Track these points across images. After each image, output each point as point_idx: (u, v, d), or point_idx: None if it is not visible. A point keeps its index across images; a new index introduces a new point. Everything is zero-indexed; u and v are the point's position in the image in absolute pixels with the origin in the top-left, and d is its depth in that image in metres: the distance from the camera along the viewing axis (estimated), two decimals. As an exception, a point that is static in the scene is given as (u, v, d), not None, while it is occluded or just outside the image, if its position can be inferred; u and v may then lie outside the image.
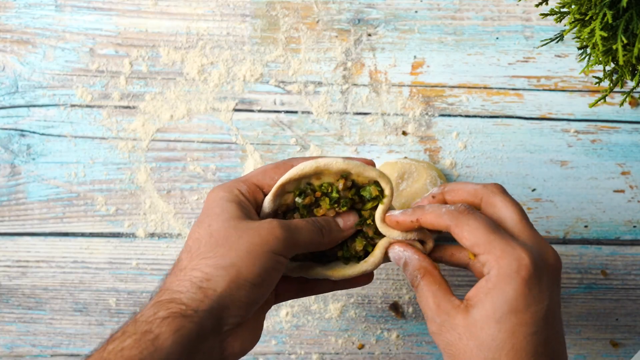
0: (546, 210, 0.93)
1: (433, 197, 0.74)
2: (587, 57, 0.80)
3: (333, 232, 0.74)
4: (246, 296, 0.68)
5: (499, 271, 0.67)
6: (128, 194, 0.94)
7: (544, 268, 0.68)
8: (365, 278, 0.77)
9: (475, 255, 0.69)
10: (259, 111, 0.93)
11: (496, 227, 0.69)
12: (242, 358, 0.94)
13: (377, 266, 0.75)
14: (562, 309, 0.93)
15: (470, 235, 0.69)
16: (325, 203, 0.74)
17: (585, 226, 0.93)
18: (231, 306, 0.67)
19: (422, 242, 0.75)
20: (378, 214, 0.74)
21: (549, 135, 0.93)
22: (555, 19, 0.80)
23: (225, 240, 0.68)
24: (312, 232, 0.72)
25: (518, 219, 0.70)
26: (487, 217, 0.70)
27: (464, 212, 0.70)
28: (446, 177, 0.92)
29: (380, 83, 0.93)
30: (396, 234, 0.74)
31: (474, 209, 0.70)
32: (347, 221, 0.75)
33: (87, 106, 0.93)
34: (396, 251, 0.74)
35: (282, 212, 0.75)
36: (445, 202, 0.74)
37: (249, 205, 0.72)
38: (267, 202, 0.74)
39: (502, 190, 0.72)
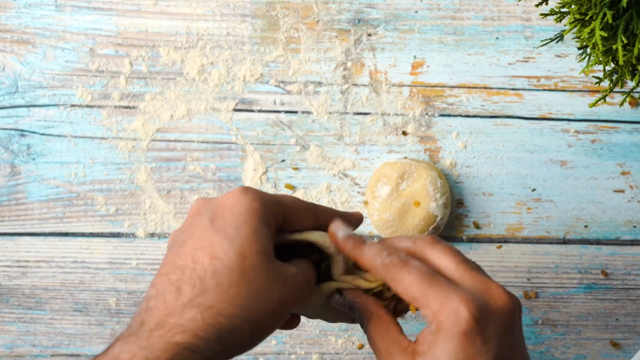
0: (546, 210, 0.93)
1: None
2: (587, 57, 0.80)
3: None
4: (249, 347, 0.64)
5: (438, 326, 0.64)
6: (128, 194, 0.94)
7: (489, 315, 0.64)
8: (290, 322, 0.73)
9: (416, 308, 0.66)
10: (259, 111, 0.93)
11: (432, 277, 0.65)
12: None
13: (309, 308, 0.70)
14: (562, 309, 0.93)
15: (405, 291, 0.65)
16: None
17: (585, 226, 0.93)
18: (232, 354, 0.63)
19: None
20: (335, 271, 0.70)
21: (549, 135, 0.93)
22: (555, 19, 0.80)
23: (258, 288, 0.62)
24: (305, 289, 0.68)
25: (455, 266, 0.66)
26: (424, 266, 0.66)
27: (397, 265, 0.66)
28: (446, 177, 0.92)
29: (380, 83, 0.93)
30: (361, 283, 0.70)
31: (409, 258, 0.66)
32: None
33: (87, 106, 0.93)
34: (336, 299, 0.70)
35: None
36: None
37: (274, 234, 0.67)
38: (280, 239, 0.69)
39: (433, 241, 0.68)
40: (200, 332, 0.60)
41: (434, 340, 0.63)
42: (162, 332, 0.60)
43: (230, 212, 0.64)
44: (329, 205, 0.93)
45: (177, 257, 0.64)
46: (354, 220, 0.73)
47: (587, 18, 0.74)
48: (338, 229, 0.69)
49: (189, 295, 0.61)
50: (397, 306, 0.71)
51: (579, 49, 0.80)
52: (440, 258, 0.67)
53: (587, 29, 0.73)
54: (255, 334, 0.63)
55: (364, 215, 0.73)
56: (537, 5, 0.81)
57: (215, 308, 0.61)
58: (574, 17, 0.75)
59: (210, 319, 0.60)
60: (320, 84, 0.93)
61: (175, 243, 0.65)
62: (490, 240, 0.93)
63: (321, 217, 0.71)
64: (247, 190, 0.65)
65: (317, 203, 0.73)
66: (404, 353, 0.65)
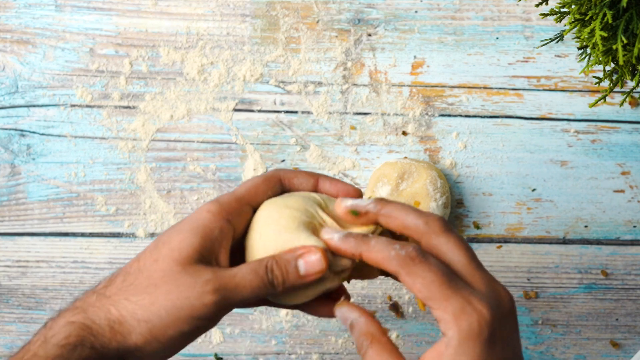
0: (546, 210, 0.93)
1: (366, 213, 0.67)
2: (587, 57, 0.80)
3: (289, 281, 0.66)
4: (153, 351, 0.65)
5: (460, 334, 0.61)
6: (128, 194, 0.94)
7: (503, 318, 0.63)
8: (316, 311, 0.71)
9: (425, 306, 0.64)
10: (259, 111, 0.93)
11: (452, 277, 0.63)
12: (241, 357, 0.94)
13: (298, 301, 0.69)
14: (562, 309, 0.93)
15: (423, 288, 0.62)
16: None
17: (585, 226, 0.93)
18: (137, 355, 0.65)
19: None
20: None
21: (549, 135, 0.93)
22: (555, 19, 0.80)
23: (154, 288, 0.65)
24: (259, 287, 0.66)
25: (466, 262, 0.64)
26: (442, 265, 0.63)
27: (415, 259, 0.63)
28: (446, 177, 0.92)
29: (380, 83, 0.93)
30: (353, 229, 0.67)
31: (426, 254, 0.64)
32: (309, 266, 0.66)
33: (87, 106, 0.94)
34: (343, 312, 0.66)
35: None
36: (377, 222, 0.67)
37: (220, 237, 0.67)
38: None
39: (445, 228, 0.65)
40: (93, 315, 0.65)
41: (454, 351, 0.62)
42: (67, 314, 0.66)
43: (179, 225, 0.68)
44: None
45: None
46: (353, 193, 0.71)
47: (587, 18, 0.74)
48: (331, 233, 0.67)
49: (104, 285, 0.67)
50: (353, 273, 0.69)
51: (579, 49, 0.80)
52: (453, 251, 0.65)
53: (587, 29, 0.73)
54: (143, 333, 0.65)
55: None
56: (537, 5, 0.81)
57: (112, 297, 0.66)
58: (574, 17, 0.75)
59: (104, 306, 0.65)
60: (320, 84, 0.93)
61: None
62: (490, 240, 0.93)
63: (320, 183, 0.72)
64: (208, 205, 0.68)
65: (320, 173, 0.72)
66: None
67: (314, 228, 0.68)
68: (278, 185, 0.71)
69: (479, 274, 0.64)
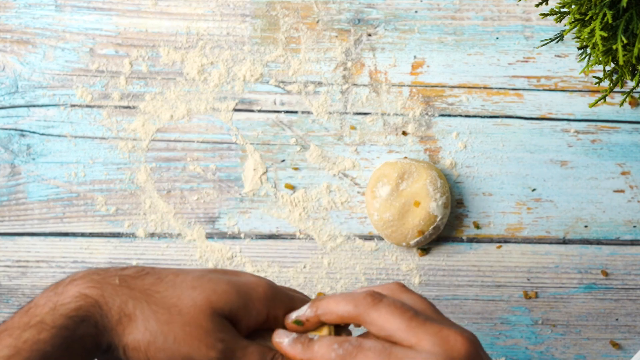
0: (546, 210, 0.93)
1: (307, 320, 0.69)
2: (587, 57, 0.80)
3: None
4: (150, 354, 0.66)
5: None
6: (128, 194, 0.94)
7: None
8: None
9: None
10: (259, 111, 0.93)
11: (389, 350, 0.64)
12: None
13: None
14: (562, 309, 0.93)
15: None
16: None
17: (585, 226, 0.93)
18: (121, 353, 0.66)
19: None
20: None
21: (549, 135, 0.93)
22: (555, 19, 0.80)
23: (177, 311, 0.66)
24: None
25: (406, 325, 0.64)
26: (377, 344, 0.65)
27: (352, 352, 0.64)
28: (446, 177, 0.92)
29: (380, 83, 0.93)
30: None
31: (362, 341, 0.65)
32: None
33: (87, 106, 0.94)
34: None
35: None
36: (322, 323, 0.69)
37: (255, 315, 0.69)
38: None
39: (374, 302, 0.66)
40: (109, 298, 0.65)
41: None
42: (84, 282, 0.66)
43: (235, 276, 0.69)
44: (328, 206, 0.93)
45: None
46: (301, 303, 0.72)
47: (587, 18, 0.74)
48: (282, 337, 0.68)
49: (131, 274, 0.68)
50: None
51: (579, 49, 0.80)
52: (389, 321, 0.65)
53: (587, 29, 0.73)
54: (147, 347, 0.65)
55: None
56: (537, 5, 0.81)
57: (134, 292, 0.66)
58: (574, 17, 0.75)
59: (122, 294, 0.66)
60: (320, 84, 0.93)
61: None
62: (490, 240, 0.93)
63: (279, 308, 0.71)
64: (270, 284, 0.70)
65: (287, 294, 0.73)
66: None
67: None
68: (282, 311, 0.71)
69: (421, 331, 0.64)
